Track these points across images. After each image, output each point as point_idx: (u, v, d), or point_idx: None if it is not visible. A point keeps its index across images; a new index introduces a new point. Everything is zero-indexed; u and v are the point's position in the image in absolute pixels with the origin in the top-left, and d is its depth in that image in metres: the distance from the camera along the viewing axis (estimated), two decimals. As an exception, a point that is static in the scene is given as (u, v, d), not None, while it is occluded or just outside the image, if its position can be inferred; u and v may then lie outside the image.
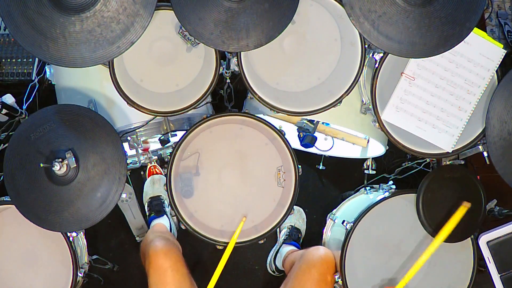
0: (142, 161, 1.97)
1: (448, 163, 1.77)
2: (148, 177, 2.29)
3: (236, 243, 1.72)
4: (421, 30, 1.52)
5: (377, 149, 2.08)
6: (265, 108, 1.71)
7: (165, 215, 2.19)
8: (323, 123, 1.94)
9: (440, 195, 1.70)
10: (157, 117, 1.76)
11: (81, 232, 1.77)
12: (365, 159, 2.15)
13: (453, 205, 1.68)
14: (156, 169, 2.28)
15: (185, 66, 1.71)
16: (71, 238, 1.67)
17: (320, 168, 2.27)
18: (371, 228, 1.73)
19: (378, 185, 1.95)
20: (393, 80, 1.66)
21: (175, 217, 1.73)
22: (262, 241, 1.75)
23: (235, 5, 1.50)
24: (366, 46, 1.64)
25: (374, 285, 1.72)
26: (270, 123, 1.72)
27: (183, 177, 1.76)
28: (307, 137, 1.85)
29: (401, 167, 2.24)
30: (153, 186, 2.26)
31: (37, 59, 2.19)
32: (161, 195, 2.26)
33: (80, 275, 1.70)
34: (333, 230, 1.92)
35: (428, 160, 2.07)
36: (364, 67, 1.69)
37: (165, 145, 1.85)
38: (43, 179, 1.57)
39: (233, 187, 1.78)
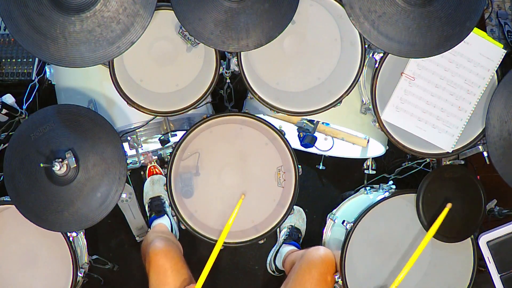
0: (142, 161, 1.97)
1: (448, 163, 1.77)
2: (148, 177, 2.30)
3: (236, 243, 1.72)
4: (421, 30, 1.52)
5: (377, 149, 2.08)
6: (265, 108, 1.71)
7: (166, 215, 2.19)
8: (323, 123, 1.94)
9: (440, 195, 1.69)
10: (157, 117, 1.76)
11: (81, 232, 1.77)
12: (365, 159, 2.15)
13: (453, 205, 1.68)
14: (156, 169, 2.28)
15: (185, 66, 1.71)
16: (71, 238, 1.67)
17: (320, 168, 2.27)
18: (371, 228, 1.73)
19: (378, 185, 1.95)
20: (393, 80, 1.66)
21: (175, 217, 1.73)
22: (262, 241, 1.75)
23: (235, 5, 1.50)
24: (366, 46, 1.64)
25: (374, 285, 1.72)
26: (270, 123, 1.72)
27: (183, 177, 1.76)
28: (307, 137, 1.85)
29: (401, 167, 2.24)
30: (153, 186, 2.26)
31: (37, 59, 2.19)
32: (161, 195, 2.26)
33: (80, 275, 1.70)
34: (333, 230, 1.92)
35: (428, 160, 2.07)
36: (364, 67, 1.69)
37: (165, 145, 1.85)
38: (43, 179, 1.57)
39: (233, 187, 1.78)
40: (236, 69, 1.67)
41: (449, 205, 1.64)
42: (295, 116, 1.76)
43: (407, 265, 1.61)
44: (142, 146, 1.85)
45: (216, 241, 1.71)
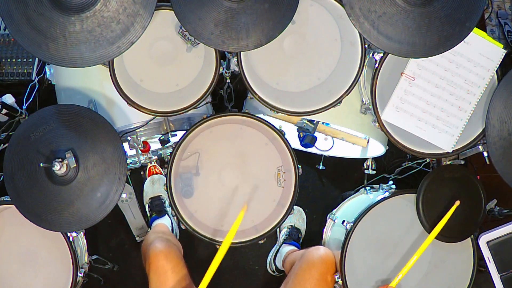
0: (142, 161, 1.97)
1: (448, 163, 1.77)
2: (148, 177, 2.29)
3: (236, 243, 1.72)
4: (421, 30, 1.52)
5: (377, 149, 2.08)
6: (265, 108, 1.71)
7: (166, 215, 2.19)
8: (323, 123, 1.94)
9: (440, 195, 1.69)
10: (157, 117, 1.76)
11: (81, 232, 1.77)
12: (365, 159, 2.15)
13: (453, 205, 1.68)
14: (156, 169, 2.28)
15: (185, 66, 1.71)
16: (71, 238, 1.67)
17: (320, 168, 2.27)
18: (371, 228, 1.73)
19: (378, 185, 1.95)
20: (393, 80, 1.66)
21: (175, 217, 1.73)
22: (262, 241, 1.75)
23: (235, 5, 1.50)
24: (366, 46, 1.64)
25: (374, 285, 1.72)
26: (270, 123, 1.72)
27: (183, 177, 1.76)
28: (307, 137, 1.85)
29: (401, 167, 2.24)
30: (153, 186, 2.26)
31: (37, 59, 2.19)
32: (161, 195, 2.26)
33: (80, 275, 1.70)
34: (333, 230, 1.92)
35: (428, 160, 2.07)
36: (364, 67, 1.69)
37: (165, 145, 1.85)
38: (43, 179, 1.57)
39: (233, 187, 1.78)
40: (236, 69, 1.67)
41: (457, 203, 1.62)
42: (295, 116, 1.76)
43: (410, 261, 1.60)
44: (142, 146, 1.85)
45: (216, 241, 1.71)
